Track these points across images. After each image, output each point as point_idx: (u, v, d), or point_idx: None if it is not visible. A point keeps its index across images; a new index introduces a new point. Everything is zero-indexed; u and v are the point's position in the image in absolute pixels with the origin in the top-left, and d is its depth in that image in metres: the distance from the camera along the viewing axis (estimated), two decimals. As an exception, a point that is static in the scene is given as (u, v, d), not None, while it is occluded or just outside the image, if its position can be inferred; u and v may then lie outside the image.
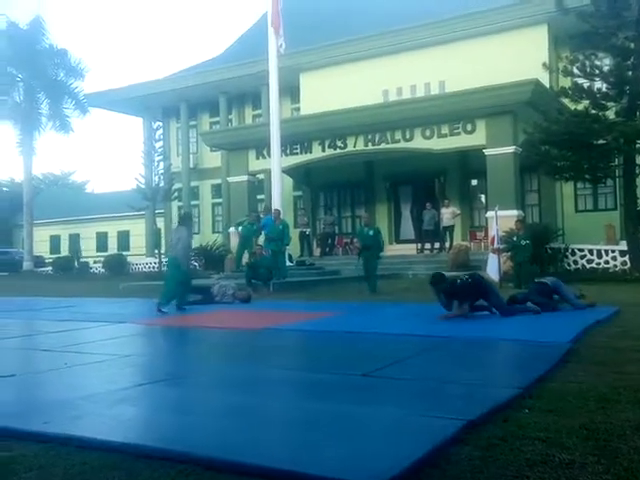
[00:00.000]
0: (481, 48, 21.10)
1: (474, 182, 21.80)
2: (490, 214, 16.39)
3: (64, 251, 36.68)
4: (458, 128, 18.22)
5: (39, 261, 32.79)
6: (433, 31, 21.77)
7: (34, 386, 4.86)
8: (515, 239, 13.77)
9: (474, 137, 17.99)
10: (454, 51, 21.51)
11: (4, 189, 41.71)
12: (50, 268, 29.92)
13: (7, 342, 7.70)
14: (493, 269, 13.87)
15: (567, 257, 17.06)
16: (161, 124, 28.81)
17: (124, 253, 30.98)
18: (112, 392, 4.27)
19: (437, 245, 20.24)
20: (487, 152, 17.67)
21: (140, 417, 3.78)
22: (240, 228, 18.22)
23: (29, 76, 30.94)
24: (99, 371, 5.23)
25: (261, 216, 18.98)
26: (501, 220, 14.72)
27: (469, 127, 18.06)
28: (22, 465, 2.83)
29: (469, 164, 20.85)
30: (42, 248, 36.81)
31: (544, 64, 16.65)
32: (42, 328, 9.07)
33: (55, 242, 38.67)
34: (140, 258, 29.53)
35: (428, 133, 18.66)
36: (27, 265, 31.17)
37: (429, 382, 4.43)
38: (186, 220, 11.35)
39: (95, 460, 2.85)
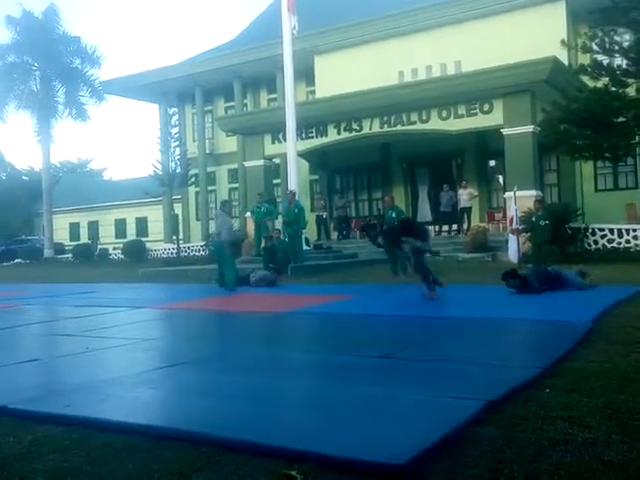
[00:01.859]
0: (497, 26, 20.77)
1: (492, 163, 21.57)
2: (508, 194, 16.23)
3: (83, 238, 37.01)
4: (475, 108, 18.00)
5: (59, 248, 33.11)
6: (448, 10, 21.47)
7: (57, 370, 4.93)
8: (534, 219, 13.62)
9: (491, 117, 17.77)
10: (470, 30, 21.21)
11: (24, 178, 42.08)
12: (70, 255, 30.22)
13: (30, 328, 7.81)
14: (513, 250, 13.79)
15: (587, 237, 16.87)
16: (177, 110, 28.79)
17: (142, 239, 31.19)
18: (133, 375, 4.32)
19: (455, 227, 20.13)
20: (505, 132, 17.46)
21: (161, 400, 3.82)
22: (249, 213, 18.41)
23: (45, 64, 31.04)
24: (120, 355, 5.28)
25: (278, 200, 19.02)
26: (520, 200, 14.59)
27: (486, 107, 17.84)
28: (46, 447, 2.87)
29: (486, 144, 20.63)
30: (62, 235, 37.17)
31: (562, 41, 16.33)
32: (64, 314, 9.19)
33: (74, 229, 39.01)
34: (158, 244, 29.71)
35: (444, 114, 18.47)
36: (48, 253, 31.52)
37: (448, 363, 4.41)
38: (226, 206, 12.18)
39: (117, 442, 2.88)
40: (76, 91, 31.46)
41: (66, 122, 32.12)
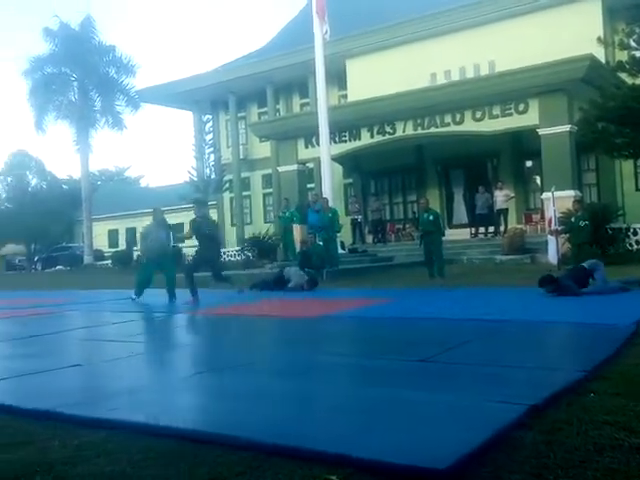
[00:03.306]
0: (531, 25, 20.49)
1: (528, 163, 21.27)
2: (546, 195, 15.97)
3: (122, 245, 37.65)
4: (510, 108, 17.78)
5: (99, 255, 33.74)
6: (481, 10, 21.27)
7: (99, 375, 5.01)
8: (573, 220, 13.37)
9: (527, 117, 17.53)
10: (503, 30, 20.97)
11: (64, 186, 43.00)
12: (109, 261, 30.75)
13: (72, 333, 7.97)
14: (552, 252, 13.56)
15: (629, 237, 16.50)
16: (210, 117, 29.14)
17: (179, 245, 31.56)
18: (174, 380, 4.37)
19: (491, 229, 19.89)
20: (541, 132, 17.20)
21: (201, 404, 3.85)
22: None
23: (82, 75, 31.70)
24: (160, 360, 5.35)
25: (311, 205, 19.10)
26: (558, 201, 14.35)
27: (521, 107, 17.60)
28: (90, 451, 2.91)
29: (522, 145, 20.35)
30: (101, 242, 37.88)
31: (599, 38, 16.02)
32: (104, 319, 9.35)
33: (113, 236, 39.73)
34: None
35: (479, 115, 18.29)
36: (87, 259, 32.12)
37: (488, 367, 4.35)
38: (158, 215, 11.53)
39: (160, 446, 2.91)
40: (112, 100, 32.04)
41: (103, 131, 32.71)
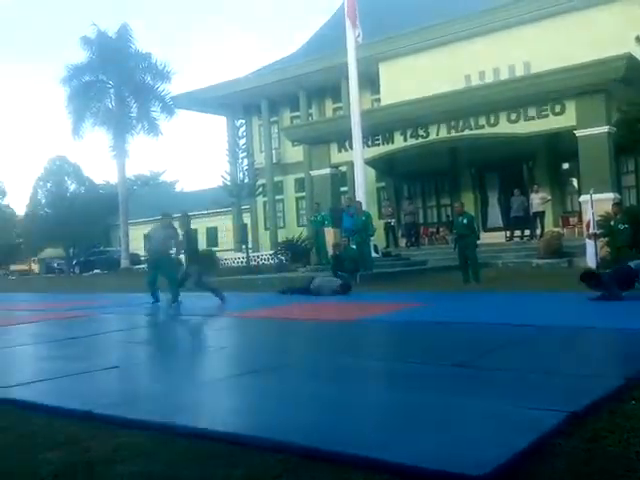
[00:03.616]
0: (567, 25, 20.16)
1: (565, 165, 20.92)
2: (584, 198, 15.69)
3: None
4: (546, 110, 17.54)
5: (135, 259, 34.24)
6: (515, 11, 21.03)
7: (137, 377, 5.09)
8: (612, 223, 13.12)
9: (563, 118, 17.26)
10: (538, 30, 20.68)
11: (101, 191, 43.79)
12: (145, 265, 31.15)
13: (110, 335, 8.10)
14: (590, 255, 13.31)
15: (669, 240, 16.09)
16: (244, 121, 29.36)
17: (213, 249, 31.87)
18: (211, 382, 4.40)
19: (527, 232, 19.62)
20: (578, 133, 16.91)
21: (237, 406, 3.87)
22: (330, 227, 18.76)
23: (118, 82, 32.26)
24: (198, 362, 5.40)
25: (345, 209, 19.11)
26: (596, 204, 14.08)
27: (558, 108, 17.34)
28: (129, 452, 2.95)
29: (559, 147, 20.03)
30: (137, 246, 38.42)
31: (637, 37, 15.74)
32: (141, 322, 9.48)
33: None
34: (228, 253, 30.28)
35: (514, 117, 18.08)
36: (124, 263, 32.61)
37: (526, 373, 4.28)
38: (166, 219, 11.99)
39: (198, 448, 2.94)
40: (148, 107, 32.53)
41: (139, 137, 33.20)
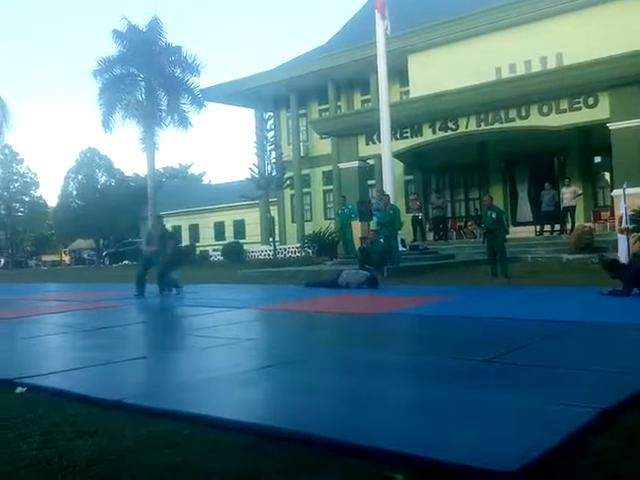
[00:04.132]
0: (601, 15, 19.74)
1: (597, 159, 20.56)
2: (617, 192, 15.39)
3: (185, 240, 38.48)
4: (578, 102, 17.23)
5: (163, 250, 34.54)
6: (547, 2, 20.63)
7: (164, 367, 5.15)
8: (645, 218, 12.86)
9: (596, 111, 16.93)
10: (571, 21, 20.28)
11: (131, 184, 44.30)
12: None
13: (138, 326, 8.21)
14: (622, 250, 13.07)
15: None
16: (272, 114, 29.40)
17: (240, 241, 32.05)
18: (237, 374, 4.43)
19: (557, 227, 19.34)
20: (612, 126, 16.58)
21: (265, 398, 3.89)
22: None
23: (149, 75, 32.48)
24: (224, 354, 5.43)
25: (372, 201, 19.06)
26: (629, 198, 13.79)
27: (590, 101, 17.02)
28: (159, 442, 2.98)
29: (591, 140, 19.67)
30: (165, 238, 38.80)
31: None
32: (169, 313, 9.59)
33: (177, 232, 40.58)
34: (255, 246, 30.44)
35: (545, 109, 17.79)
36: (153, 255, 32.88)
37: (557, 369, 4.23)
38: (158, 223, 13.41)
39: (226, 439, 2.96)
40: (178, 99, 32.69)
41: (169, 130, 33.41)
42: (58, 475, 2.63)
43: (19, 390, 4.14)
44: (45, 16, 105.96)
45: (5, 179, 41.62)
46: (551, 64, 20.24)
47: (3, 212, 41.33)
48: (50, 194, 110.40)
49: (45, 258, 53.40)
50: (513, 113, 18.31)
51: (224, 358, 5.22)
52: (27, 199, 42.72)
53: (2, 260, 45.20)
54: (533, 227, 20.49)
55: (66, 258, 53.81)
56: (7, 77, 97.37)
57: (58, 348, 6.48)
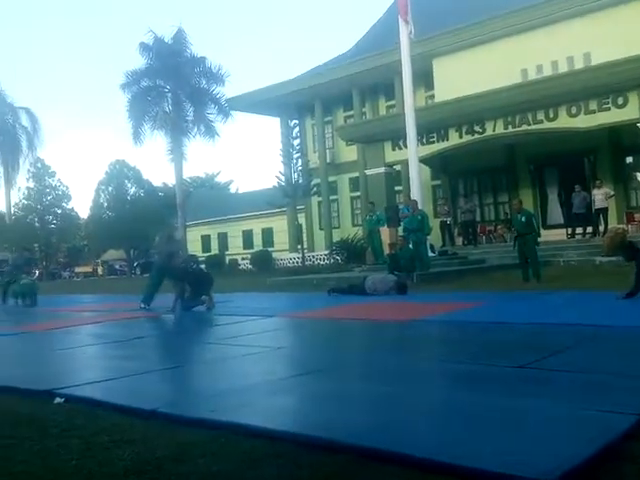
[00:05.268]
0: (628, 15, 19.45)
1: (629, 159, 20.23)
2: (649, 193, 15.13)
3: (214, 249, 38.77)
4: (607, 102, 16.98)
5: (192, 260, 34.82)
6: (572, 2, 20.43)
7: (198, 376, 5.20)
8: (680, 218, 12.60)
9: (626, 111, 16.68)
10: (598, 21, 20.02)
11: (159, 194, 44.80)
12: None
13: (170, 336, 8.30)
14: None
15: None
16: (297, 122, 29.54)
17: (269, 249, 32.20)
18: (270, 382, 4.45)
19: (589, 229, 19.05)
20: (642, 126, 16.33)
21: (298, 406, 3.91)
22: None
23: (175, 86, 32.92)
24: (256, 362, 5.46)
25: (400, 207, 19.02)
26: (663, 199, 13.55)
27: (620, 100, 16.77)
28: (195, 450, 3.02)
29: (622, 140, 19.39)
30: (195, 247, 39.16)
31: None
32: (201, 322, 9.67)
33: (206, 241, 40.95)
34: (284, 253, 30.55)
35: (574, 110, 17.58)
36: (182, 264, 33.16)
37: (592, 374, 4.17)
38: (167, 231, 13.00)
39: (262, 447, 2.98)
40: (204, 110, 33.05)
41: (196, 140, 33.77)
42: (98, 484, 2.68)
43: (57, 400, 4.22)
44: (78, 29, 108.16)
45: (38, 192, 42.43)
46: (579, 64, 20.00)
47: (37, 224, 42.11)
48: (82, 206, 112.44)
49: (78, 269, 54.23)
50: (541, 115, 18.13)
51: (256, 367, 5.24)
52: (59, 211, 43.47)
53: (36, 272, 46.07)
54: (564, 230, 20.22)
55: (99, 269, 54.61)
56: (37, 92, 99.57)
57: (93, 358, 6.59)
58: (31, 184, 42.71)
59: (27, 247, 32.42)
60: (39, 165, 42.98)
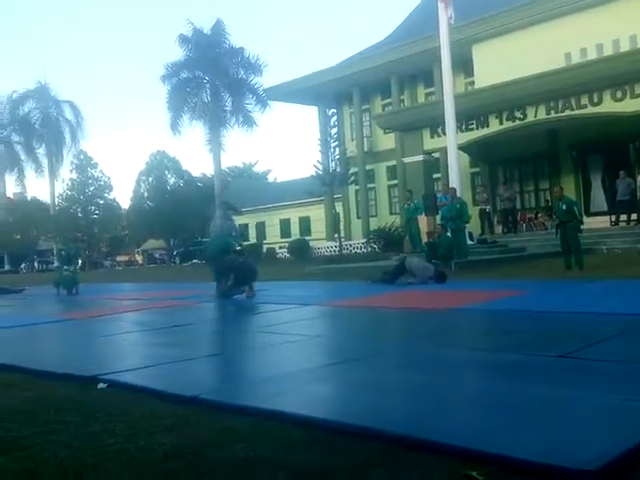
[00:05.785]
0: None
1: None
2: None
3: (252, 238, 39.07)
4: (654, 86, 16.49)
5: (231, 249, 35.16)
6: (620, -18, 19.85)
7: (238, 364, 5.26)
8: None
9: (674, 94, 16.18)
10: (645, 0, 19.41)
11: (198, 184, 45.30)
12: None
13: (210, 324, 8.41)
14: None
15: None
16: (335, 111, 29.47)
17: (306, 238, 32.29)
18: (308, 370, 4.48)
19: (634, 216, 18.58)
20: (690, 109, 15.80)
21: (336, 395, 3.92)
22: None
23: (213, 77, 33.16)
24: (294, 350, 5.50)
25: (437, 195, 18.85)
26: None
27: (667, 83, 16.27)
28: (234, 437, 3.05)
29: (669, 124, 18.78)
30: (233, 236, 39.50)
31: None
32: (239, 310, 9.77)
33: (244, 230, 41.29)
34: (321, 242, 30.59)
35: (619, 94, 17.12)
36: (220, 253, 33.52)
37: (636, 364, 4.07)
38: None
39: (299, 434, 3.00)
40: (242, 100, 33.24)
41: (234, 130, 33.99)
42: (140, 468, 2.74)
43: (100, 386, 4.32)
44: (120, 23, 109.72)
45: (81, 183, 43.31)
46: (624, 47, 19.45)
47: (80, 215, 43.04)
48: (123, 196, 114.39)
49: (119, 258, 55.35)
50: (585, 99, 17.71)
51: (295, 355, 5.28)
52: (102, 202, 44.30)
53: (80, 261, 47.13)
54: (608, 217, 19.78)
55: (139, 258, 55.62)
56: (80, 84, 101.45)
57: (135, 345, 6.72)
58: (74, 175, 43.64)
59: (78, 238, 33.17)
60: (82, 157, 43.85)
